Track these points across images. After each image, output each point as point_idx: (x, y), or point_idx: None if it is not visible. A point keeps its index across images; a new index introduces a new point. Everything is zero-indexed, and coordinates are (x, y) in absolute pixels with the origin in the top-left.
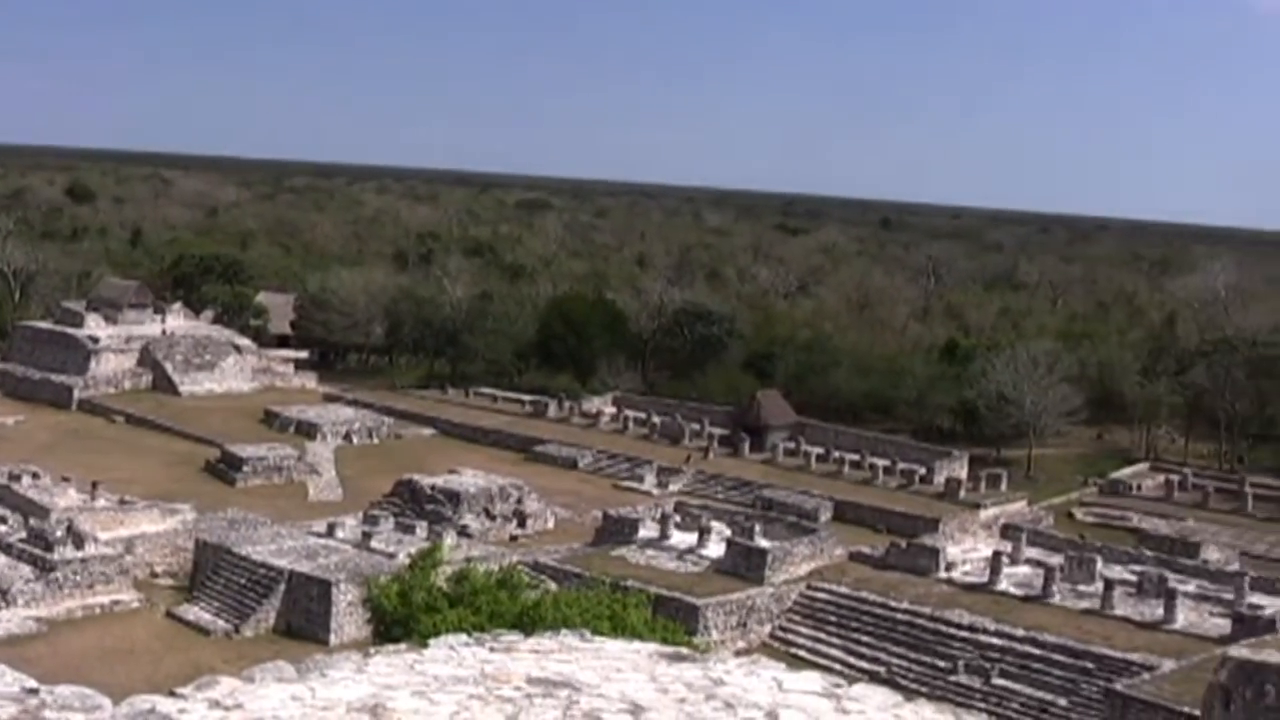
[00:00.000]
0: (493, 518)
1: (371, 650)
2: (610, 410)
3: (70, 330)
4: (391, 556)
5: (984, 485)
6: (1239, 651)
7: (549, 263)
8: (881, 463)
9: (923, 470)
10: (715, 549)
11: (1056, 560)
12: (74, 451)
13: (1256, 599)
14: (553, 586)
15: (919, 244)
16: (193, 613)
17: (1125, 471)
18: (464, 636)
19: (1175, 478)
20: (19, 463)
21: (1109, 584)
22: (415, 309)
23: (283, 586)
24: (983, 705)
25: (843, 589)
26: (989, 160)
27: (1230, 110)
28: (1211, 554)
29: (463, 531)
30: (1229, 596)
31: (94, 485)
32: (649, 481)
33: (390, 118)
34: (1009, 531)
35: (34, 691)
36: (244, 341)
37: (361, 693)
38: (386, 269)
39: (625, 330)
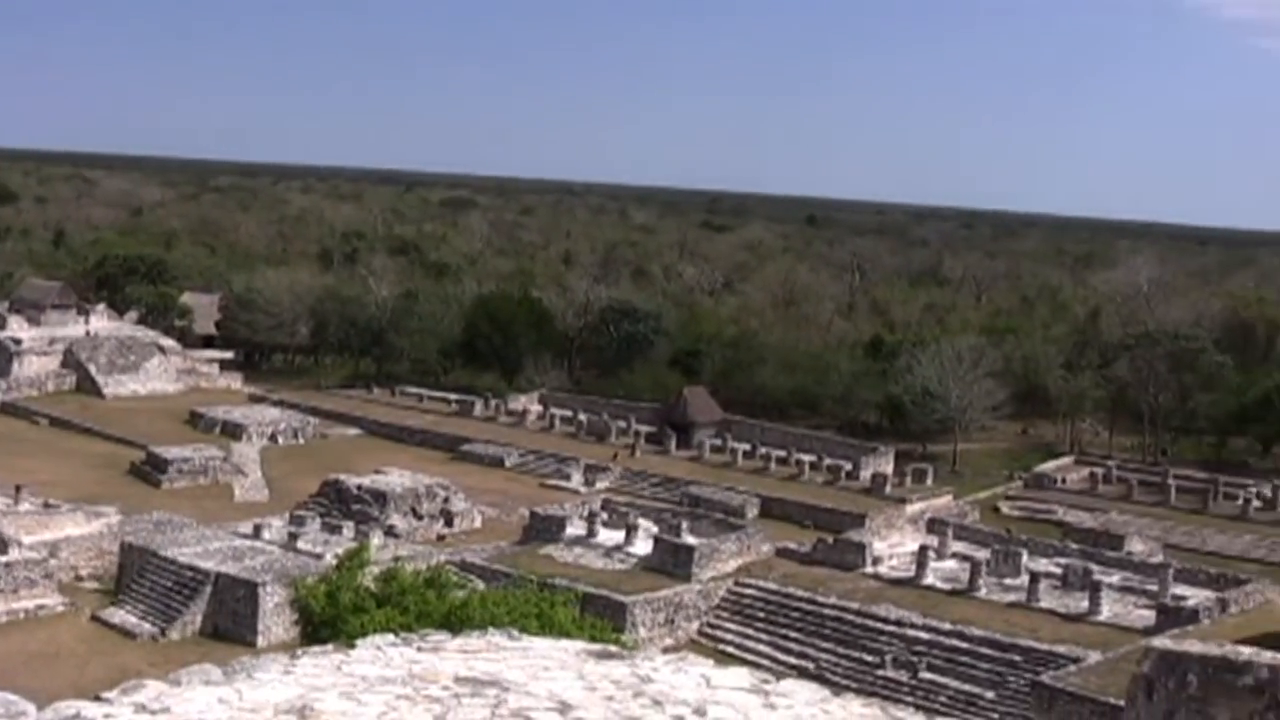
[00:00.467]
0: (419, 517)
1: (299, 651)
2: (536, 409)
3: None
4: (318, 557)
5: (910, 480)
6: (1161, 642)
7: (474, 261)
8: (808, 459)
9: (849, 466)
10: (642, 546)
11: (982, 554)
12: None
13: (1180, 590)
14: (480, 585)
15: (844, 240)
16: (118, 616)
17: (1050, 465)
18: (391, 637)
19: (1099, 471)
20: None
21: (1034, 577)
22: (340, 308)
23: (209, 588)
24: (910, 699)
25: (770, 585)
26: (913, 157)
27: (1153, 106)
28: (1135, 546)
29: (389, 531)
30: (1153, 588)
31: (17, 489)
32: (576, 480)
33: (314, 117)
34: (935, 526)
35: None
36: (168, 342)
37: (289, 694)
38: (311, 268)
39: (551, 328)
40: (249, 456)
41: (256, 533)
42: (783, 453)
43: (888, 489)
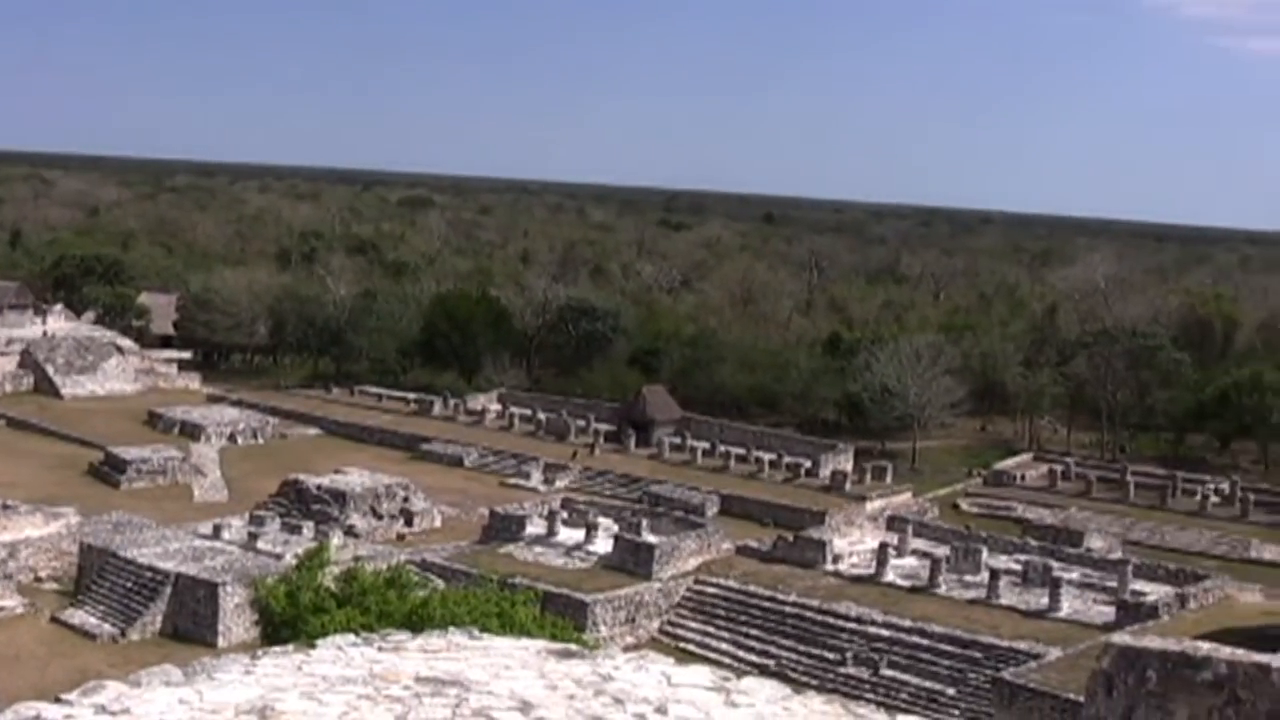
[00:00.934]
0: (379, 517)
1: (259, 652)
2: (496, 408)
3: None
4: (278, 557)
5: (869, 478)
6: (1121, 638)
7: (432, 260)
8: (767, 456)
9: (808, 463)
10: (603, 545)
11: (942, 551)
12: None
13: (1140, 586)
14: (440, 585)
15: (802, 238)
16: (78, 617)
17: (1009, 462)
18: (352, 636)
19: (1058, 468)
20: None
21: (994, 574)
22: (299, 308)
23: (169, 589)
24: (872, 696)
25: (731, 583)
26: (871, 154)
27: (1112, 103)
28: (1095, 542)
29: (349, 531)
30: (1112, 584)
31: None
32: (535, 478)
33: (271, 116)
34: (895, 523)
35: None
36: (126, 343)
37: (249, 695)
38: (269, 268)
39: (510, 327)
40: (208, 457)
41: (216, 533)
42: (742, 451)
43: (847, 486)
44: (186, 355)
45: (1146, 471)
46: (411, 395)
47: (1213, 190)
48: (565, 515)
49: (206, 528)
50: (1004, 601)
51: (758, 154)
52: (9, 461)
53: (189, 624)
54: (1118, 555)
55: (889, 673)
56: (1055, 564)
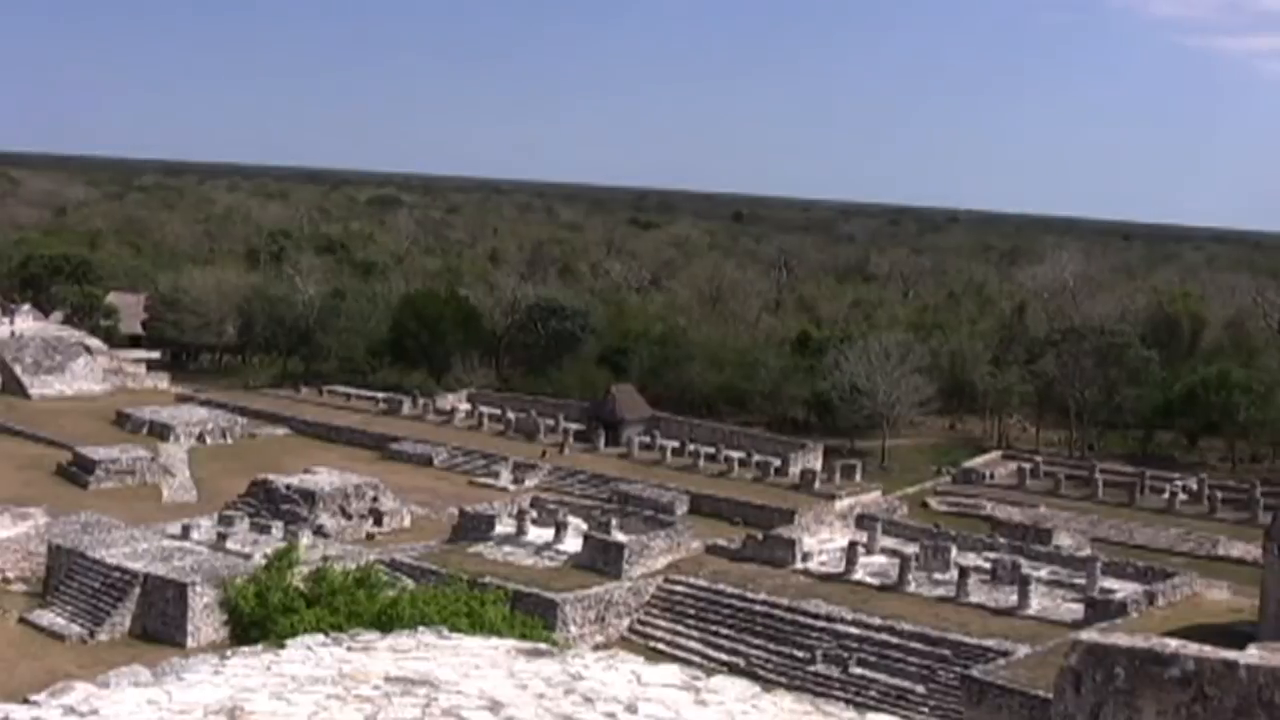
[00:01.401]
0: (349, 516)
1: (228, 652)
2: (465, 407)
3: None
4: (247, 557)
5: (839, 476)
6: (1089, 635)
7: (401, 259)
8: (737, 455)
9: (778, 462)
10: (572, 544)
11: (912, 549)
12: None
13: (1108, 583)
14: (410, 584)
15: (770, 237)
16: (47, 618)
17: (978, 460)
18: (321, 636)
19: (1027, 465)
20: None
21: (964, 572)
22: (267, 308)
23: (138, 590)
24: (841, 694)
25: (700, 581)
26: (839, 153)
27: (1079, 102)
28: (1064, 540)
29: (319, 531)
30: (1081, 581)
31: None
32: (505, 477)
33: (239, 115)
34: (864, 522)
35: None
36: (95, 342)
37: (219, 695)
38: (238, 268)
39: (479, 326)
40: (177, 457)
41: (185, 533)
42: (711, 449)
43: (816, 485)
44: (155, 355)
45: (1115, 469)
46: (380, 395)
47: (1180, 188)
48: (535, 514)
49: (175, 528)
50: (973, 599)
51: (727, 153)
52: None
53: (158, 624)
54: (1086, 553)
55: (858, 671)
56: (1024, 562)
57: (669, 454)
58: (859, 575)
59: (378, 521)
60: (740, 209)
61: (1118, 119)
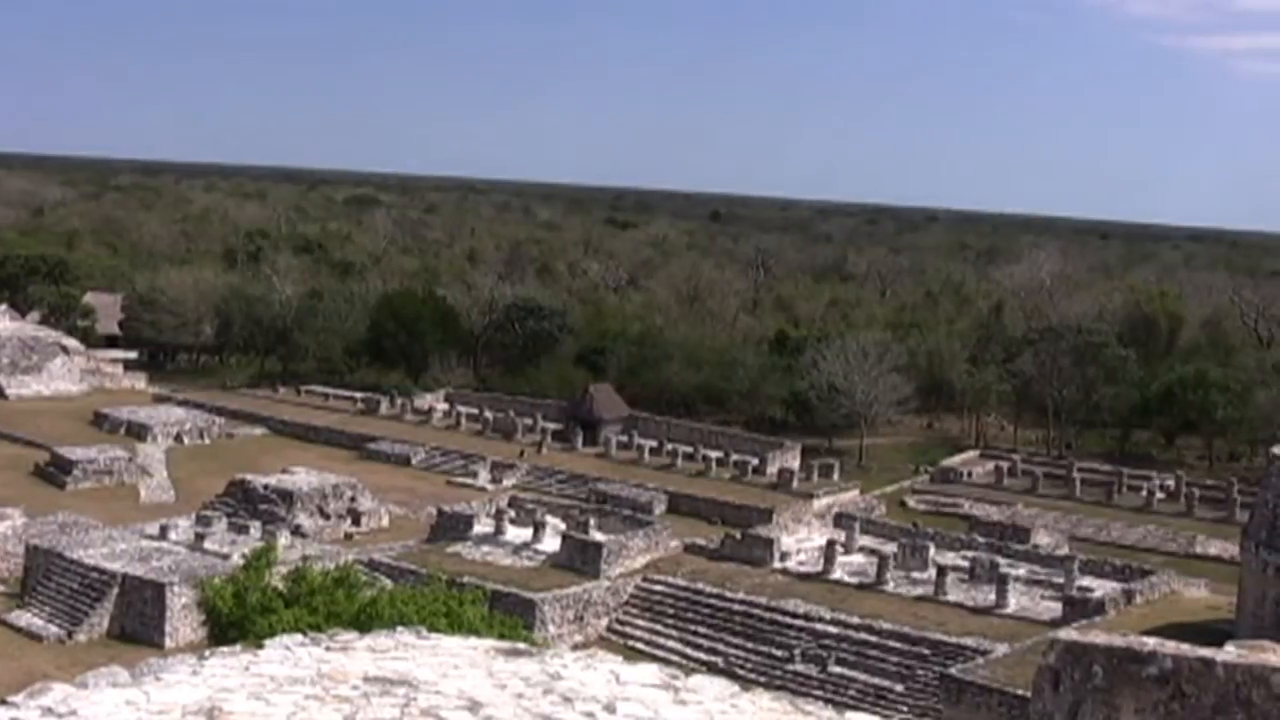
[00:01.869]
0: (327, 516)
1: (207, 652)
2: (443, 406)
3: None
4: (225, 557)
5: (817, 475)
6: (1067, 634)
7: (379, 259)
8: (714, 454)
9: (756, 461)
10: (550, 543)
11: (890, 548)
12: None
13: (1086, 581)
14: (389, 584)
15: (748, 236)
16: (24, 619)
17: (956, 459)
18: (300, 636)
19: (1005, 464)
20: None
21: (942, 570)
22: (245, 307)
23: (116, 590)
24: (820, 693)
25: (679, 581)
26: (817, 153)
27: (1056, 101)
28: (1041, 538)
29: (297, 531)
30: (1059, 580)
31: None
32: (483, 477)
33: (216, 114)
34: (842, 521)
35: None
36: (72, 343)
37: (197, 695)
38: (215, 267)
39: (457, 326)
40: (154, 457)
41: (163, 533)
42: (689, 449)
43: (794, 484)
44: (132, 355)
45: (1092, 468)
46: (358, 394)
47: (1157, 188)
48: (513, 514)
49: (153, 528)
50: (951, 598)
51: (704, 152)
52: None
53: (136, 625)
54: (1064, 551)
55: (837, 669)
56: (1002, 560)
57: (647, 453)
58: (837, 574)
59: (356, 521)
60: (718, 208)
61: (1094, 118)
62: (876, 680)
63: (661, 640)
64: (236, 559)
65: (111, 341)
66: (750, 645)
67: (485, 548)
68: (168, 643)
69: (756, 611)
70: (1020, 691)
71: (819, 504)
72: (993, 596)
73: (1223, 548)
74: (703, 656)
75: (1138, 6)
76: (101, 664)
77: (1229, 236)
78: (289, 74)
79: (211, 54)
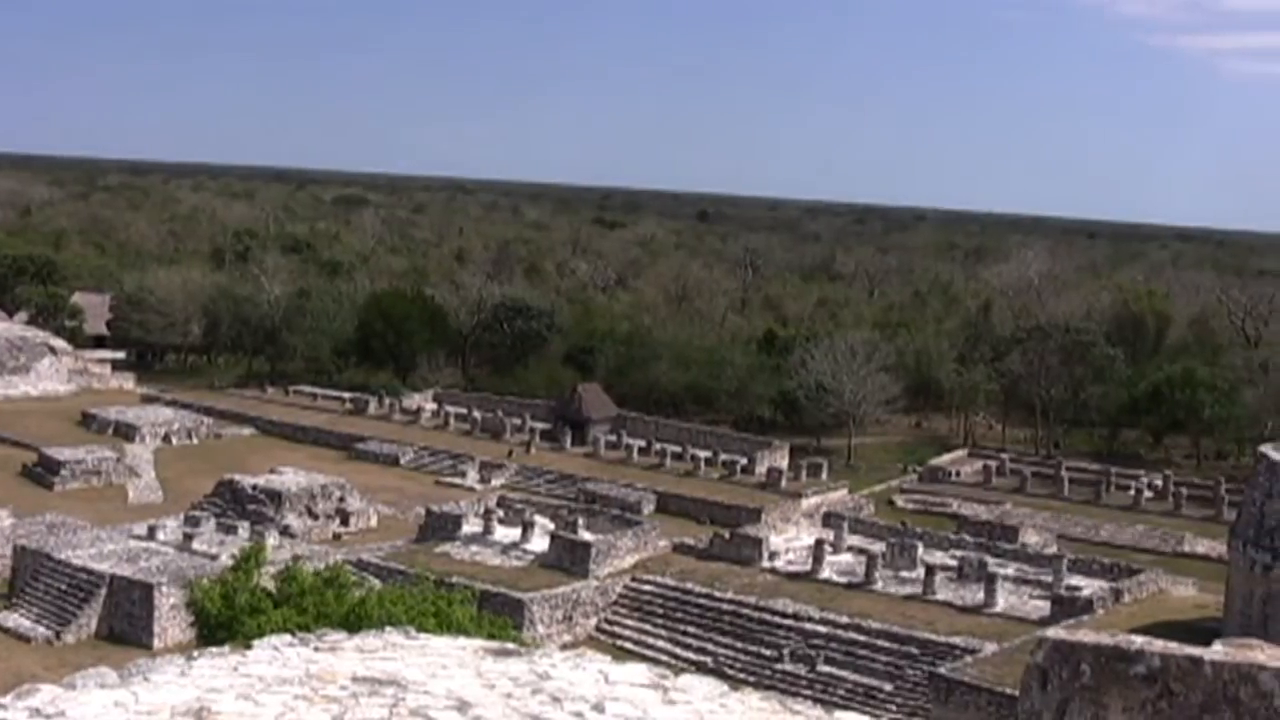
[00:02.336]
0: (315, 516)
1: (195, 653)
2: (431, 406)
3: None
4: (214, 558)
5: (805, 474)
6: (1055, 632)
7: (367, 259)
8: (703, 454)
9: (744, 461)
10: (539, 543)
11: (878, 547)
12: None
13: (1074, 580)
14: (377, 584)
15: (736, 236)
16: (12, 620)
17: (944, 458)
18: (288, 637)
19: (993, 463)
20: None
21: (930, 569)
22: (233, 307)
23: (104, 591)
24: (809, 692)
25: (668, 580)
26: (805, 152)
27: (1045, 100)
28: (1030, 537)
29: (285, 531)
30: (1048, 579)
31: None
32: (471, 477)
33: (204, 114)
34: (831, 520)
35: None
36: (59, 343)
37: (185, 696)
38: (203, 267)
39: (445, 326)
40: (142, 457)
41: (151, 534)
42: (678, 448)
43: (783, 483)
44: (120, 355)
45: (1080, 467)
46: (347, 394)
47: (1145, 187)
48: (501, 514)
49: (141, 529)
50: (940, 597)
51: (692, 152)
52: None
53: (124, 626)
54: (1052, 550)
55: (826, 669)
56: (990, 559)
57: (635, 453)
58: (826, 574)
59: (344, 521)
60: (706, 208)
61: (1083, 117)
62: (865, 679)
63: (650, 640)
64: (225, 559)
65: (99, 342)
66: (739, 645)
67: (474, 547)
68: (156, 643)
69: (745, 611)
70: (1009, 690)
71: (807, 503)
72: (981, 595)
73: (1210, 546)
74: (691, 656)
75: (1129, 6)
76: (89, 665)
77: (1216, 235)
78: (277, 74)
79: (199, 54)
